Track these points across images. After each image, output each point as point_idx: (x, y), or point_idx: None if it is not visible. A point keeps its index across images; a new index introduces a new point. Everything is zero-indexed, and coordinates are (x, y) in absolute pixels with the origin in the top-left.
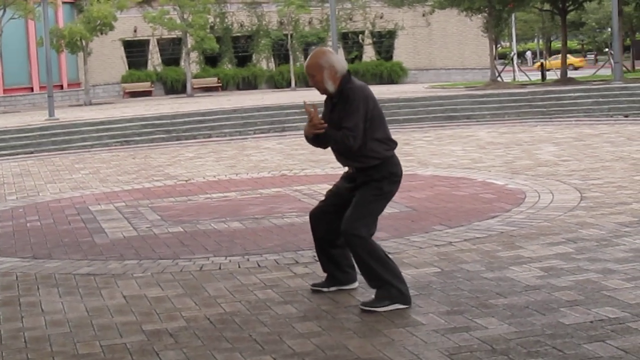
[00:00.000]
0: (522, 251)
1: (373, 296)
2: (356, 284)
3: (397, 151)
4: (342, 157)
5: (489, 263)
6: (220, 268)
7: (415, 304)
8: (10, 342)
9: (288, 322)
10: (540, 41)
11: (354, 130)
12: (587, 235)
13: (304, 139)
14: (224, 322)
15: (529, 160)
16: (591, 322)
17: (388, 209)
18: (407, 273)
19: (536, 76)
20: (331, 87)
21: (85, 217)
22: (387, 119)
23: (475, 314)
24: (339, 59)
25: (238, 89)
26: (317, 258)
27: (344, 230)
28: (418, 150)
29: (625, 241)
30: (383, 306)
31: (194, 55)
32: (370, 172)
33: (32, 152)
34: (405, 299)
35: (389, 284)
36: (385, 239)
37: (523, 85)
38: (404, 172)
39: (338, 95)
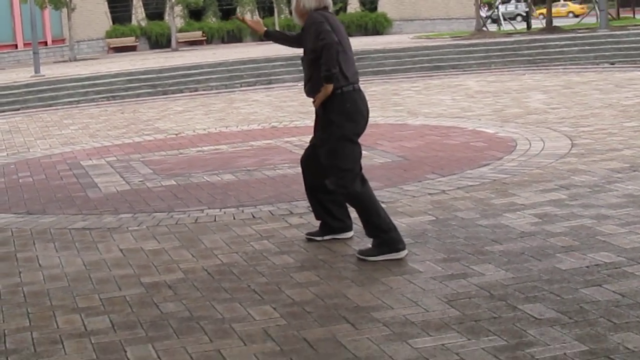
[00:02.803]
0: (515, 198)
1: (370, 245)
2: (350, 234)
3: (385, 101)
4: (306, 88)
5: (483, 210)
6: (215, 220)
7: (412, 252)
8: (9, 297)
9: (286, 272)
10: None
11: (322, 34)
12: (580, 181)
13: (292, 90)
14: (221, 273)
15: (518, 109)
16: (587, 267)
17: (380, 159)
18: (401, 222)
19: (522, 25)
20: (297, 20)
21: (77, 172)
22: (373, 69)
23: (472, 261)
24: None
25: (223, 42)
26: (310, 207)
27: (333, 190)
28: (407, 100)
29: (618, 187)
30: (380, 254)
31: (178, 9)
32: (326, 106)
33: (18, 109)
34: (399, 246)
35: (385, 232)
36: (378, 188)
37: (509, 34)
38: (394, 123)
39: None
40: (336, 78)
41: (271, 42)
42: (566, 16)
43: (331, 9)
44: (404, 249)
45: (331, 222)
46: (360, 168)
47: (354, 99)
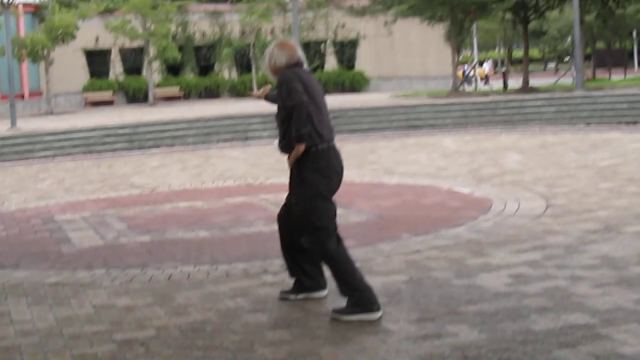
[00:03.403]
0: (490, 258)
1: (344, 304)
2: (324, 293)
3: (362, 159)
4: (280, 145)
5: (457, 270)
6: (189, 277)
7: (386, 311)
8: None
9: (259, 330)
10: (502, 50)
11: (292, 93)
12: (555, 242)
13: (268, 147)
14: (194, 331)
15: (494, 168)
16: (561, 328)
17: (355, 217)
18: (376, 280)
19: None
20: (271, 77)
21: (52, 226)
22: (350, 127)
23: (446, 321)
24: (282, 53)
25: (200, 98)
26: (285, 264)
27: (308, 249)
28: (383, 159)
29: (592, 248)
30: (354, 314)
31: (156, 64)
32: (300, 164)
33: None
34: (374, 307)
35: (359, 292)
36: (354, 247)
37: (485, 94)
38: (370, 181)
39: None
40: (308, 137)
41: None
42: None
43: (305, 65)
44: (378, 309)
45: (305, 281)
46: (336, 227)
47: (328, 157)
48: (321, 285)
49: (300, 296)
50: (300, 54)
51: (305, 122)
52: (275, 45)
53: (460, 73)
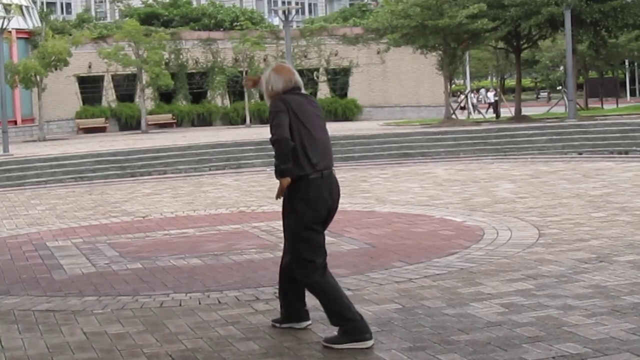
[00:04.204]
0: (482, 287)
1: (335, 332)
2: (304, 324)
3: (353, 188)
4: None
5: (449, 299)
6: (180, 304)
7: (378, 340)
8: None
9: (251, 358)
10: (494, 79)
11: (275, 127)
12: (547, 271)
13: (260, 175)
14: (186, 359)
15: (486, 197)
16: (553, 357)
17: (347, 246)
18: (368, 310)
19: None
20: (267, 100)
21: (43, 253)
22: (342, 156)
23: (438, 350)
24: (279, 78)
25: (193, 125)
26: (276, 292)
27: (298, 280)
28: (375, 187)
29: (585, 277)
30: (345, 342)
31: (148, 91)
32: (290, 192)
33: None
34: (366, 335)
35: (349, 321)
36: (344, 275)
37: (477, 122)
38: (362, 210)
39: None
40: (299, 167)
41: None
42: None
43: (302, 89)
44: (370, 338)
45: (289, 311)
46: (325, 257)
47: (319, 187)
48: (302, 316)
49: (284, 325)
50: (297, 78)
51: (285, 158)
52: (271, 70)
53: (461, 98)
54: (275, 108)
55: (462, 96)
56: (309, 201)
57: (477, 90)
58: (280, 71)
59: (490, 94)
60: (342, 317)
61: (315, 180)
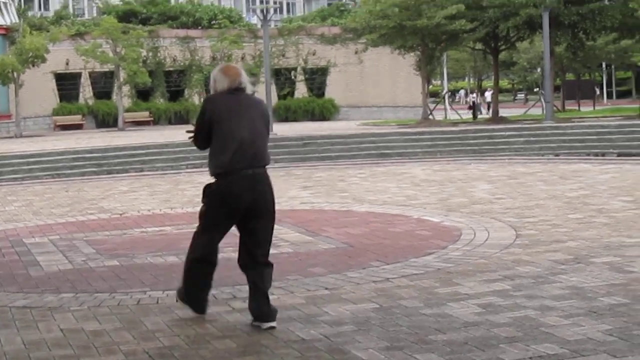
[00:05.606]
0: (459, 288)
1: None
2: (267, 324)
3: (331, 187)
4: None
5: (427, 299)
6: (157, 302)
7: (355, 339)
8: None
9: (228, 356)
10: (472, 80)
11: (195, 127)
12: (524, 272)
13: None
14: (163, 356)
15: (463, 198)
16: (530, 358)
17: (324, 245)
18: (345, 309)
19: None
20: None
21: (20, 249)
22: (320, 155)
23: (415, 350)
24: (224, 78)
25: (170, 123)
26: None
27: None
28: (352, 187)
29: (562, 278)
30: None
31: (126, 89)
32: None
33: None
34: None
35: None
36: (322, 274)
37: (455, 123)
38: (339, 209)
39: None
40: (214, 166)
41: None
42: None
43: (248, 89)
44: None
45: (251, 307)
46: (211, 254)
47: (228, 189)
48: (263, 316)
49: (255, 324)
50: (244, 79)
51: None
52: (219, 69)
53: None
54: (203, 108)
55: (472, 95)
56: (211, 202)
57: (482, 92)
58: (227, 71)
59: (487, 94)
60: (184, 298)
61: (228, 178)
